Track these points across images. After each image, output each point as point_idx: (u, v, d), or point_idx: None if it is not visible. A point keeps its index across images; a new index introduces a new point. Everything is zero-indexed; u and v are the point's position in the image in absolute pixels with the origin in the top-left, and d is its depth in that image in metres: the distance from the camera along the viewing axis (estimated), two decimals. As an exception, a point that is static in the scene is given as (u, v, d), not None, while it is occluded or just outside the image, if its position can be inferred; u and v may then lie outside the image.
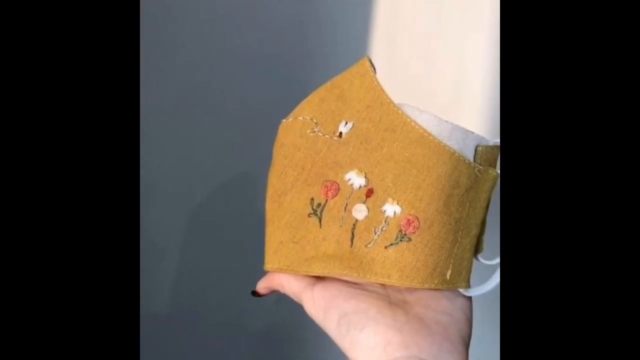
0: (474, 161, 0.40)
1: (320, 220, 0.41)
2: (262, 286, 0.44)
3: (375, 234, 0.39)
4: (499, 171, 0.40)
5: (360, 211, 0.40)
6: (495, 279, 0.40)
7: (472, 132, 0.40)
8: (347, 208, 0.40)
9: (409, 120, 0.39)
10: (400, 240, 0.39)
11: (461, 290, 0.40)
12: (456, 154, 0.39)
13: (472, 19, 0.86)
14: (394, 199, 0.39)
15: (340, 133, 0.41)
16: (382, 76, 0.41)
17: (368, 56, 0.41)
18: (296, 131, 0.42)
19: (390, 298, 0.39)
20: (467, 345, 0.38)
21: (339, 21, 0.82)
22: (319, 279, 0.41)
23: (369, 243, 0.39)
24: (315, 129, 0.41)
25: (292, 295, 0.42)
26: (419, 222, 0.39)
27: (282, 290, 0.43)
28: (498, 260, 0.41)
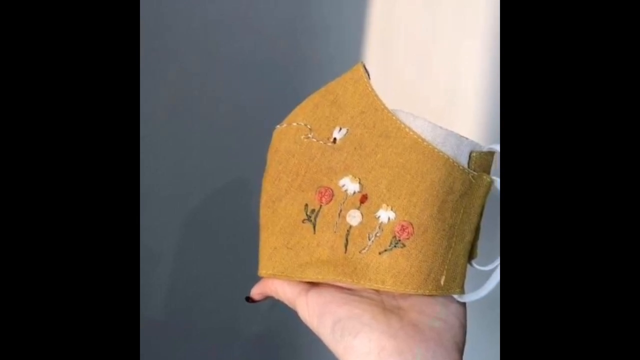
0: (468, 167, 0.40)
1: (314, 226, 0.41)
2: (256, 292, 0.44)
3: (370, 239, 0.39)
4: (493, 177, 0.40)
5: (354, 217, 0.40)
6: (490, 284, 0.40)
7: (467, 138, 0.40)
8: (341, 214, 0.40)
9: (403, 126, 0.39)
10: (395, 246, 0.39)
11: (455, 296, 0.40)
12: (450, 160, 0.39)
13: (466, 25, 0.86)
14: (388, 205, 0.39)
15: (335, 139, 0.41)
16: (377, 82, 0.41)
17: (362, 62, 0.42)
18: (290, 137, 0.42)
19: (385, 304, 0.39)
20: (461, 351, 0.38)
21: (334, 27, 0.83)
22: (313, 284, 0.41)
23: (363, 249, 0.39)
24: (309, 135, 0.41)
25: (286, 301, 0.42)
26: (413, 228, 0.39)
27: (276, 296, 0.43)
28: (492, 266, 0.41)
